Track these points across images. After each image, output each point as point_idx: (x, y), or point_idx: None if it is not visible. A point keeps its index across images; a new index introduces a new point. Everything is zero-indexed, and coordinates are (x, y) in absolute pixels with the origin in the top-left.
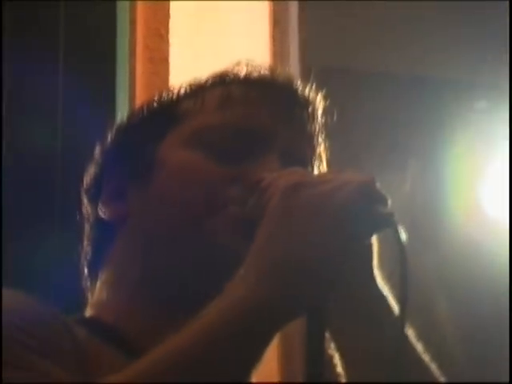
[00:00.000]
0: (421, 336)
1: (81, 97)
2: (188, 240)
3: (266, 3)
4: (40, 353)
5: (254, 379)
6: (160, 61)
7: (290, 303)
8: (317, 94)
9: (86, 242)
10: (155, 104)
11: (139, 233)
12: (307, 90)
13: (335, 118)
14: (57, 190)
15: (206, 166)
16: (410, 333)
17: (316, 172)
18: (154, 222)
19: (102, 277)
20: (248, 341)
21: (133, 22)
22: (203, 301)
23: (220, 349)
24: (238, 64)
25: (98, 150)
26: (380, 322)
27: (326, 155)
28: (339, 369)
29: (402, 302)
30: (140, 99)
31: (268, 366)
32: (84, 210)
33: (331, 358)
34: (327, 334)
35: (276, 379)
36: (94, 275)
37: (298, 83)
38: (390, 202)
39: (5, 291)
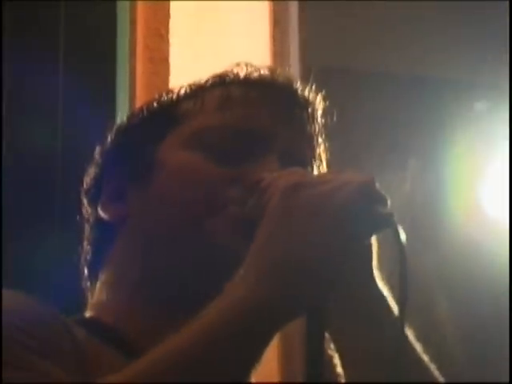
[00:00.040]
0: (421, 336)
1: (81, 97)
2: (188, 240)
3: (266, 3)
4: (40, 353)
5: (254, 379)
6: (160, 61)
7: (289, 303)
8: (317, 95)
9: (85, 243)
10: (155, 105)
11: (139, 233)
12: (307, 91)
13: (335, 118)
14: (57, 190)
15: (206, 167)
16: (410, 333)
17: (316, 172)
18: (153, 223)
19: (102, 277)
20: (248, 341)
21: (133, 22)
22: (203, 301)
23: (220, 349)
24: (238, 65)
25: (97, 151)
26: (380, 322)
27: (326, 156)
28: (339, 369)
29: (401, 302)
30: (140, 99)
31: (268, 365)
32: (84, 211)
33: (331, 358)
34: (327, 334)
35: (276, 379)
36: (93, 276)
37: (298, 84)
38: (389, 202)
39: (5, 292)
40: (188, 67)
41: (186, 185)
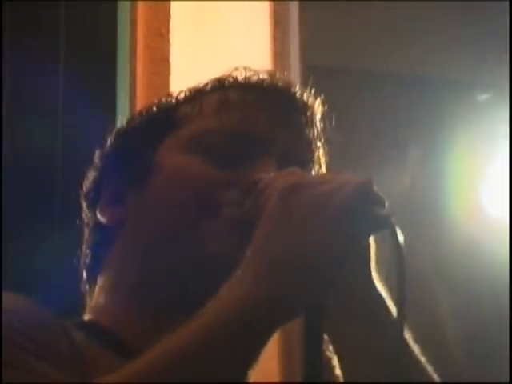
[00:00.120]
0: (421, 335)
1: (81, 97)
2: (185, 243)
3: (267, 3)
4: (37, 355)
5: (254, 379)
6: (161, 60)
7: (289, 302)
8: (315, 99)
9: (84, 246)
10: (154, 108)
11: (137, 236)
12: (306, 95)
13: (335, 117)
14: (57, 190)
15: (204, 170)
16: (408, 334)
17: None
18: (151, 226)
19: (100, 281)
20: (245, 341)
21: (133, 22)
22: (201, 303)
23: (217, 349)
24: (237, 69)
25: (97, 155)
26: (379, 322)
27: (325, 159)
28: (337, 371)
29: (400, 303)
30: (141, 99)
31: (268, 365)
32: (83, 215)
33: (329, 359)
34: (325, 336)
35: (276, 379)
36: (92, 279)
37: (297, 88)
38: (387, 203)
39: (5, 294)
40: (189, 67)
41: (184, 188)
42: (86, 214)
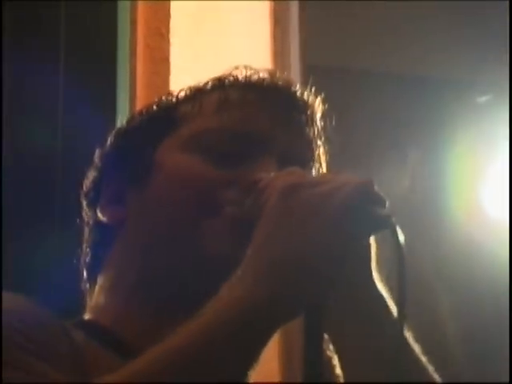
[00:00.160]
0: (421, 335)
1: (81, 96)
2: (185, 242)
3: (267, 3)
4: (37, 355)
5: (254, 379)
6: (161, 60)
7: (289, 302)
8: (316, 98)
9: (85, 246)
10: (154, 108)
11: (137, 236)
12: (306, 94)
13: (335, 118)
14: (57, 190)
15: (204, 169)
16: (409, 333)
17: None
18: (151, 225)
19: (101, 280)
20: (245, 341)
21: (133, 22)
22: (201, 303)
23: (217, 349)
24: (237, 68)
25: (97, 154)
26: (379, 322)
27: (326, 158)
28: (338, 370)
29: (400, 303)
30: (141, 99)
31: (268, 365)
32: (83, 214)
33: (330, 359)
34: (326, 335)
35: (276, 379)
36: (92, 279)
37: (297, 87)
38: (388, 203)
39: (5, 294)
40: (189, 67)
41: (184, 187)
42: (86, 213)
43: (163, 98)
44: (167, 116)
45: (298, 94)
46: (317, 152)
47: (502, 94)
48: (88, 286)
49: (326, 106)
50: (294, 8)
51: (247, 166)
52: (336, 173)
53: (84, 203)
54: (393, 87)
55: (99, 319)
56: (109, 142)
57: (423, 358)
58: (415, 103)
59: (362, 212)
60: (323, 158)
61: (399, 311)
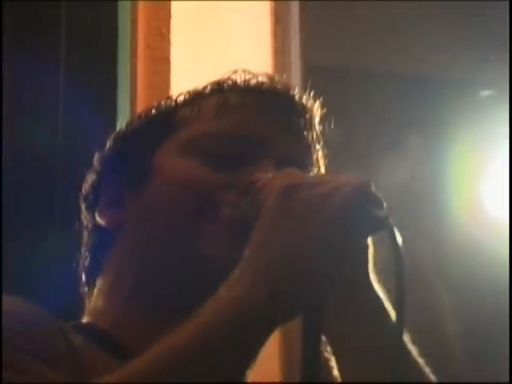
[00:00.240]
0: (422, 334)
1: (82, 96)
2: (183, 245)
3: (268, 3)
4: (34, 356)
5: (254, 379)
6: (161, 60)
7: (287, 302)
8: (314, 101)
9: (83, 249)
10: (153, 111)
11: (135, 239)
12: (305, 98)
13: (335, 117)
14: (57, 190)
15: (203, 173)
16: (406, 335)
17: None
18: (150, 228)
19: (99, 283)
20: (243, 341)
21: (134, 22)
22: (199, 304)
23: (215, 349)
24: (236, 72)
25: (96, 158)
26: (377, 323)
27: (324, 162)
28: (335, 372)
29: (398, 304)
30: (141, 99)
31: (268, 365)
32: (82, 217)
33: (327, 360)
34: (323, 337)
35: (276, 379)
36: (91, 282)
37: (296, 90)
38: (385, 204)
39: (4, 297)
40: (189, 66)
41: (183, 190)
42: (85, 216)
43: (162, 101)
44: (166, 120)
45: (297, 97)
46: (315, 156)
47: (503, 93)
48: (87, 289)
49: (326, 106)
50: (295, 8)
51: (246, 169)
52: (335, 173)
53: (83, 207)
54: (393, 87)
55: (98, 322)
56: (108, 145)
57: (420, 360)
58: (415, 103)
59: (360, 212)
60: (322, 162)
61: (398, 312)
